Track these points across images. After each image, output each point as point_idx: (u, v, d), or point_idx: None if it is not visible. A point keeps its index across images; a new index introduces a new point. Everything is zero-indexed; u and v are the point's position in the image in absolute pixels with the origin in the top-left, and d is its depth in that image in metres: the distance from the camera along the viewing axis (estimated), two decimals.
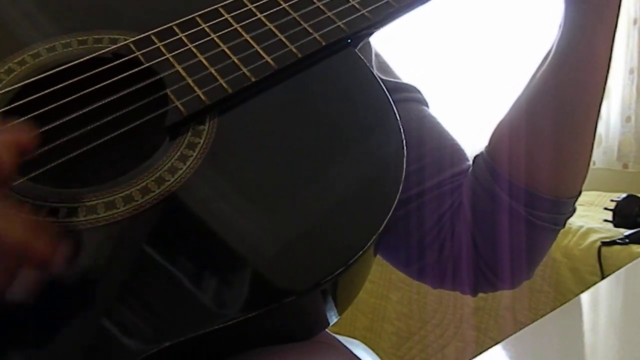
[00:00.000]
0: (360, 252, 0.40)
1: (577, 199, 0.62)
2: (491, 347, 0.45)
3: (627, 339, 0.50)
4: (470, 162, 0.66)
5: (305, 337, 0.46)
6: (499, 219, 0.61)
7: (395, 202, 0.43)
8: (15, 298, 0.34)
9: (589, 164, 0.61)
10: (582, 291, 0.60)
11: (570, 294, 1.52)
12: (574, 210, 0.63)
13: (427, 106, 0.68)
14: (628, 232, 1.58)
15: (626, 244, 1.55)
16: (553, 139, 0.59)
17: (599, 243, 1.56)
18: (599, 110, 0.59)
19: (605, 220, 1.69)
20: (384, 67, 0.66)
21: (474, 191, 0.62)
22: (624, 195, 1.70)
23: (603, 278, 1.50)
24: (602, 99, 0.59)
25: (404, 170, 0.45)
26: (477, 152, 0.64)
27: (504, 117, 0.62)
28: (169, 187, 0.42)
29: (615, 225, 1.65)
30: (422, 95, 0.68)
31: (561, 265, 1.56)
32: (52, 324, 0.36)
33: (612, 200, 1.70)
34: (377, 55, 0.66)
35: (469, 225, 0.62)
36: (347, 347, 0.53)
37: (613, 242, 1.55)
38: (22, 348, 0.35)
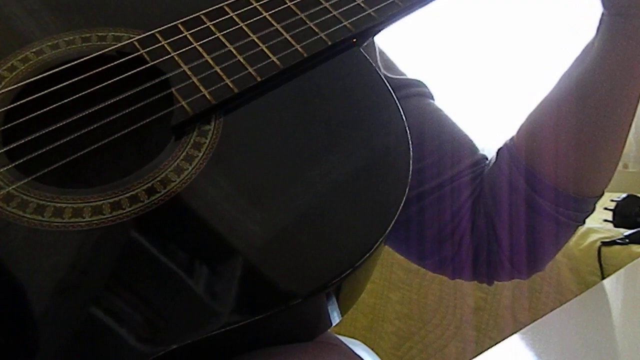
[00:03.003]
0: (367, 254, 0.40)
1: (599, 198, 0.61)
2: (491, 347, 0.45)
3: (627, 339, 0.50)
4: (482, 153, 0.66)
5: (308, 337, 0.45)
6: (518, 211, 0.61)
7: (402, 203, 0.43)
8: None
9: (616, 167, 0.60)
10: (582, 291, 0.60)
11: (570, 294, 1.52)
12: (594, 208, 0.62)
13: (433, 99, 0.68)
14: (628, 232, 1.58)
15: (626, 244, 1.55)
16: (585, 137, 0.59)
17: (599, 243, 1.56)
18: (633, 116, 0.58)
19: (605, 220, 1.69)
20: (389, 65, 0.66)
21: (494, 182, 0.62)
22: (624, 195, 1.70)
23: (603, 278, 1.50)
24: (637, 105, 0.58)
25: (411, 170, 0.45)
26: (486, 146, 0.65)
27: (533, 111, 0.62)
28: (175, 187, 0.41)
29: (615, 225, 1.65)
30: (427, 88, 0.67)
31: (561, 265, 1.56)
32: (50, 328, 0.36)
33: (612, 200, 1.70)
34: (381, 53, 0.66)
35: (487, 215, 0.63)
36: (349, 348, 0.53)
37: (613, 242, 1.55)
38: (19, 350, 0.35)
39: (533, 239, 0.62)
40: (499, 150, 0.64)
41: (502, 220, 0.62)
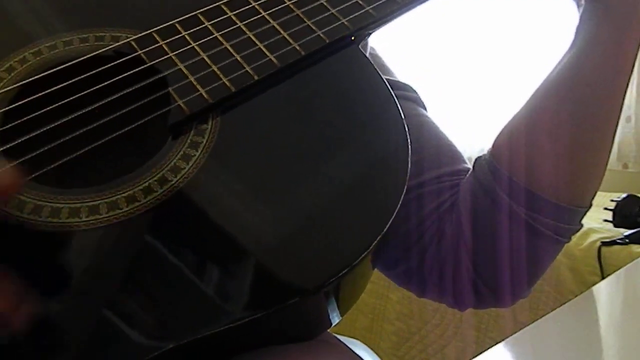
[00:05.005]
0: (366, 252, 0.40)
1: (586, 212, 0.59)
2: (491, 347, 0.45)
3: (627, 339, 0.50)
4: (467, 165, 0.64)
5: (308, 337, 0.45)
6: (498, 223, 0.58)
7: (400, 201, 0.43)
8: None
9: (603, 174, 0.58)
10: (582, 291, 0.59)
11: (570, 294, 1.52)
12: (581, 226, 0.60)
13: (424, 108, 0.67)
14: (628, 232, 1.58)
15: (626, 244, 1.55)
16: (567, 142, 0.57)
17: (599, 243, 1.56)
18: (619, 118, 0.57)
19: (605, 220, 1.69)
20: (382, 69, 0.65)
21: (474, 195, 0.60)
22: (624, 195, 1.70)
23: (603, 278, 1.50)
24: (622, 105, 0.57)
25: (409, 168, 0.45)
26: (473, 153, 0.63)
27: (512, 118, 0.60)
28: (172, 187, 0.41)
29: (615, 225, 1.65)
30: (418, 96, 0.67)
31: (561, 265, 1.56)
32: (56, 324, 0.36)
33: (612, 200, 1.70)
34: (375, 55, 0.66)
35: (465, 232, 0.60)
36: (348, 347, 0.53)
37: (613, 242, 1.55)
38: (24, 347, 0.35)
39: (512, 255, 0.59)
40: (476, 159, 0.61)
41: (480, 236, 0.59)
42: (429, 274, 0.62)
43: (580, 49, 0.56)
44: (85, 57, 0.47)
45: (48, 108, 0.43)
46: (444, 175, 0.62)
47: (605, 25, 0.55)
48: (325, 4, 0.52)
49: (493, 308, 0.63)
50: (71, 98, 0.44)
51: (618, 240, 1.56)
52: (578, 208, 0.58)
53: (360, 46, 0.52)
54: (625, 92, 0.56)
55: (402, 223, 0.60)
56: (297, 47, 0.49)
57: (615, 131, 0.57)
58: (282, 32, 0.50)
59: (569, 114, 0.57)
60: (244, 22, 0.50)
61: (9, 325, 0.34)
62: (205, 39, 0.49)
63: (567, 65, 0.57)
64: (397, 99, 0.48)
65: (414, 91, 0.66)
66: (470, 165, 0.64)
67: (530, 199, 0.57)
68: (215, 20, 0.50)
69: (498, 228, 0.58)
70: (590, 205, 0.60)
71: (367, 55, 0.63)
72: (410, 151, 0.46)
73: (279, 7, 0.51)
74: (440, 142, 0.64)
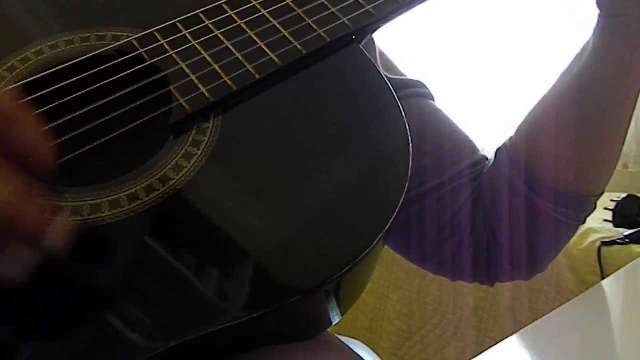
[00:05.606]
0: (367, 251, 0.40)
1: (599, 197, 0.62)
2: (491, 347, 0.45)
3: (627, 339, 0.50)
4: (482, 154, 0.66)
5: (307, 337, 0.45)
6: (518, 213, 0.61)
7: (402, 200, 0.43)
8: (4, 276, 0.30)
9: (615, 165, 0.61)
10: (582, 291, 0.60)
11: (570, 294, 1.52)
12: (595, 207, 0.63)
13: (433, 99, 0.68)
14: (628, 232, 1.58)
15: (626, 244, 1.55)
16: (584, 136, 0.59)
17: (599, 243, 1.56)
18: (632, 113, 0.58)
19: (605, 220, 1.69)
20: (389, 66, 0.66)
21: (493, 183, 0.63)
22: (624, 195, 1.70)
23: (603, 278, 1.50)
24: (636, 102, 0.58)
25: (410, 167, 0.45)
26: (486, 146, 0.65)
27: (531, 111, 0.63)
28: (173, 185, 0.41)
29: (615, 225, 1.65)
30: (427, 89, 0.68)
31: (561, 265, 1.55)
32: (55, 323, 0.36)
33: (612, 200, 1.69)
34: (381, 54, 0.66)
35: (486, 216, 0.63)
36: (348, 347, 0.53)
37: (613, 242, 1.55)
38: (24, 347, 0.35)
39: (533, 240, 0.62)
40: (497, 150, 0.64)
41: (502, 221, 0.62)
42: (465, 261, 0.64)
43: (595, 55, 0.58)
44: (86, 57, 0.47)
45: (49, 107, 0.43)
46: (469, 166, 0.65)
47: (619, 39, 0.56)
48: (325, 3, 0.52)
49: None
50: (72, 97, 0.44)
51: (618, 240, 1.55)
52: (594, 197, 0.61)
53: (366, 44, 0.52)
54: (637, 100, 0.58)
55: (436, 218, 0.63)
56: (299, 46, 0.49)
57: (628, 128, 0.59)
58: (282, 31, 0.50)
59: (583, 112, 0.59)
60: (245, 21, 0.50)
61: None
62: (206, 38, 0.49)
63: (576, 75, 0.59)
64: (404, 98, 0.49)
65: (423, 85, 0.67)
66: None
67: (549, 192, 0.60)
68: (216, 19, 0.50)
69: (514, 214, 0.61)
70: (602, 193, 0.62)
71: (377, 54, 0.64)
72: (411, 150, 0.46)
73: (280, 6, 0.51)
74: (455, 135, 0.66)
